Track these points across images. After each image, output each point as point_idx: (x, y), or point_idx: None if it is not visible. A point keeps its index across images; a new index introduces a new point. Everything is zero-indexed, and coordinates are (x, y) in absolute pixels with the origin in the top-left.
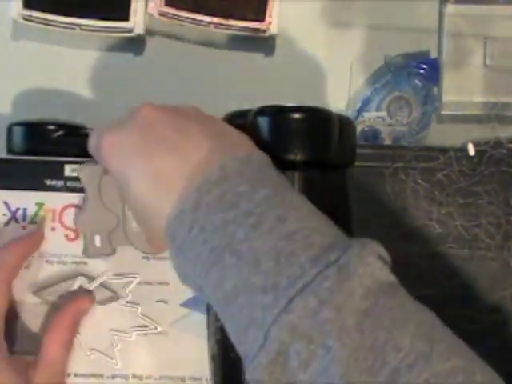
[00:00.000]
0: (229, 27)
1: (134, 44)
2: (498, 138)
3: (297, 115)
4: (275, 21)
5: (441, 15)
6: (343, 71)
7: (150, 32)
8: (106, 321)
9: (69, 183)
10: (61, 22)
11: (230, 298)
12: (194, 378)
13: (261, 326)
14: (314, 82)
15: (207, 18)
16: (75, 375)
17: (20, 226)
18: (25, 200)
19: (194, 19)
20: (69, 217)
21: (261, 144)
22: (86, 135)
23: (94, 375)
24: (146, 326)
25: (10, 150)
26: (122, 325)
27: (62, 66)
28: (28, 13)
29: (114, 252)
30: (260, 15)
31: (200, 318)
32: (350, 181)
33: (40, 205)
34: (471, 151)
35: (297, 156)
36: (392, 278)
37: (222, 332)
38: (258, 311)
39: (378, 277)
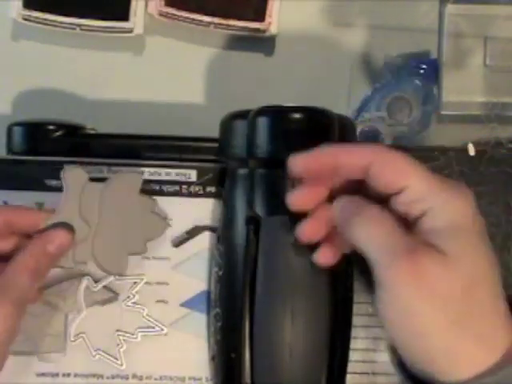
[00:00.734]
0: (229, 27)
1: (134, 44)
2: (498, 138)
3: (297, 115)
4: (275, 21)
5: (441, 15)
6: (343, 71)
7: (149, 32)
8: (112, 322)
9: None
10: (61, 22)
11: None
12: (194, 378)
13: None
14: (314, 82)
15: (207, 18)
16: (75, 375)
17: None
18: (25, 200)
19: (193, 19)
20: None
21: (261, 144)
22: (86, 135)
23: (94, 375)
24: (151, 327)
25: (9, 150)
26: (127, 326)
27: (62, 66)
28: (28, 13)
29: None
30: (260, 15)
31: (200, 318)
32: None
33: (40, 205)
34: (471, 151)
35: None
36: None
37: (222, 332)
38: None
39: None
